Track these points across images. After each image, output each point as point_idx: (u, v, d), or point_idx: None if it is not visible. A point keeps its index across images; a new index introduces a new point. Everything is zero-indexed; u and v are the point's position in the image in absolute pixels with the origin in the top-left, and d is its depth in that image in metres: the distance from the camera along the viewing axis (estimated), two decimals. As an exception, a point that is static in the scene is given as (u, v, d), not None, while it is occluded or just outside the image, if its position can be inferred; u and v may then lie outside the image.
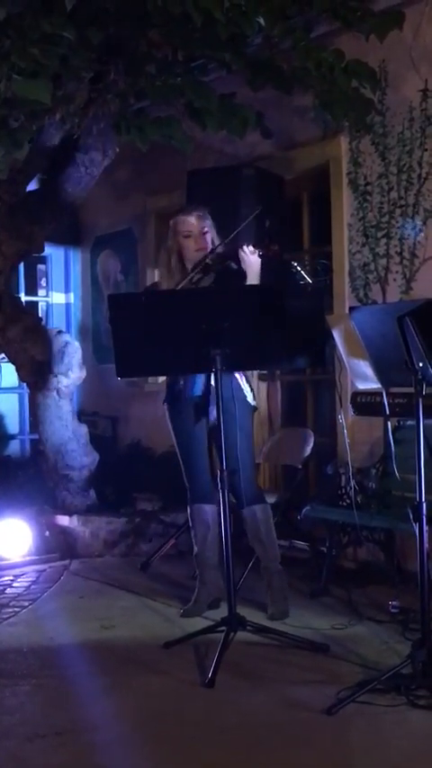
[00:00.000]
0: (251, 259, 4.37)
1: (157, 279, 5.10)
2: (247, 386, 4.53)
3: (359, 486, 4.73)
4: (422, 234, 5.15)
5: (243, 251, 4.37)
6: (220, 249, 4.44)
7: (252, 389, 4.59)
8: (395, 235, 5.33)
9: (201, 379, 4.44)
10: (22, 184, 6.15)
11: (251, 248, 4.36)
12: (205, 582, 4.58)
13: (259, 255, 4.36)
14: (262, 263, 4.42)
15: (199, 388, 4.45)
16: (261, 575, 4.60)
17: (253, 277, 4.38)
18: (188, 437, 4.55)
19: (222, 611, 4.09)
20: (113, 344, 4.06)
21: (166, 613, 4.62)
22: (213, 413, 4.40)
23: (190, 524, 4.65)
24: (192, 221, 4.49)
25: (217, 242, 4.46)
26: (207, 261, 4.42)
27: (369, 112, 5.12)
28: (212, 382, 4.31)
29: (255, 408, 4.61)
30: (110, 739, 3.12)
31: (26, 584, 5.31)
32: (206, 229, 4.48)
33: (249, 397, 4.53)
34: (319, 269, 5.00)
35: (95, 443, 6.58)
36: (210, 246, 4.45)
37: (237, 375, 4.46)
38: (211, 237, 4.49)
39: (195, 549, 4.62)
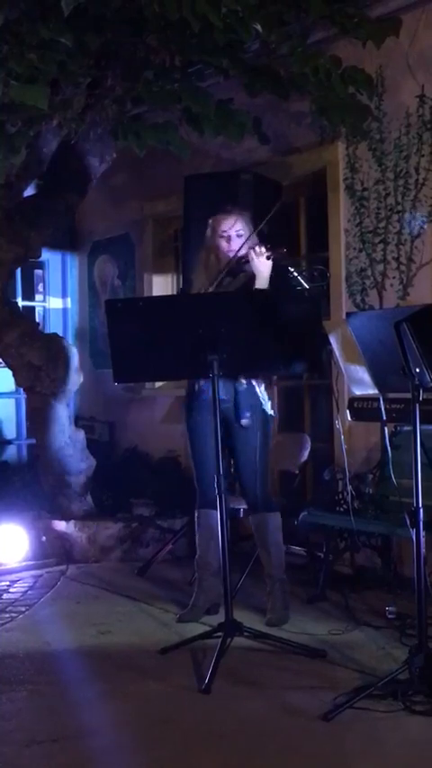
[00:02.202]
0: (261, 261, 4.35)
1: (156, 285, 5.09)
2: (264, 394, 4.52)
3: (356, 492, 4.73)
4: (425, 228, 5.14)
5: (254, 252, 4.36)
6: (243, 251, 4.43)
7: (270, 398, 4.59)
8: (392, 240, 5.34)
9: (222, 384, 4.39)
10: (19, 190, 6.16)
11: (263, 249, 4.35)
12: (204, 587, 4.58)
13: (267, 258, 4.35)
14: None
15: (220, 393, 4.41)
16: (263, 581, 4.58)
17: (262, 279, 4.35)
18: (202, 441, 4.53)
19: (220, 617, 4.08)
20: (110, 349, 4.06)
21: (162, 619, 4.62)
22: (244, 419, 4.44)
23: (195, 528, 4.63)
24: (230, 222, 4.49)
25: (245, 240, 4.44)
26: (233, 264, 4.42)
27: (366, 118, 5.14)
28: (243, 386, 4.35)
29: (272, 417, 4.62)
30: (106, 745, 3.12)
31: (23, 589, 5.31)
32: (241, 232, 4.48)
33: (266, 406, 4.52)
34: (316, 274, 5.00)
35: (92, 448, 6.57)
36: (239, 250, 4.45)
37: (254, 383, 4.47)
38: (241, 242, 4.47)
39: (198, 553, 4.61)
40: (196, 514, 4.62)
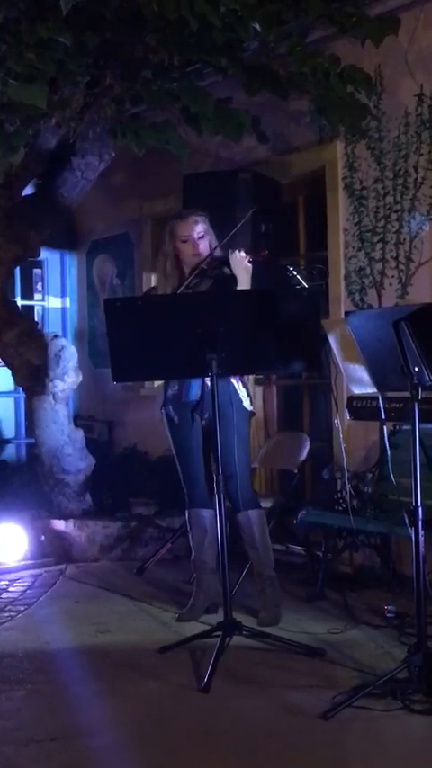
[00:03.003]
0: (242, 264, 4.35)
1: (154, 284, 5.09)
2: (243, 390, 4.51)
3: (355, 491, 4.73)
4: (425, 228, 5.14)
5: (234, 256, 4.36)
6: (217, 253, 4.43)
7: (249, 394, 4.57)
8: (391, 239, 5.34)
9: (196, 383, 4.43)
10: (18, 189, 6.16)
11: (242, 254, 4.35)
12: (202, 587, 4.58)
13: (249, 261, 4.35)
14: (257, 268, 4.41)
15: (195, 392, 4.45)
16: (254, 580, 4.59)
17: (243, 282, 4.35)
18: (185, 442, 4.54)
19: (219, 616, 4.08)
20: (109, 349, 4.06)
21: (161, 618, 4.62)
22: (205, 416, 4.42)
23: (188, 529, 4.65)
24: (188, 226, 4.47)
25: (214, 246, 4.45)
26: (203, 266, 4.41)
27: (365, 117, 5.13)
28: (206, 388, 4.33)
29: (252, 413, 4.60)
30: (105, 744, 3.12)
31: (22, 588, 5.31)
32: (202, 234, 4.47)
33: (246, 402, 4.51)
34: (314, 273, 4.99)
35: (91, 448, 6.57)
36: (206, 251, 4.45)
37: (233, 380, 4.45)
38: (209, 242, 4.48)
39: (193, 553, 4.62)
40: (187, 515, 4.62)
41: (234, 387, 4.46)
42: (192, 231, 4.46)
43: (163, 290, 4.52)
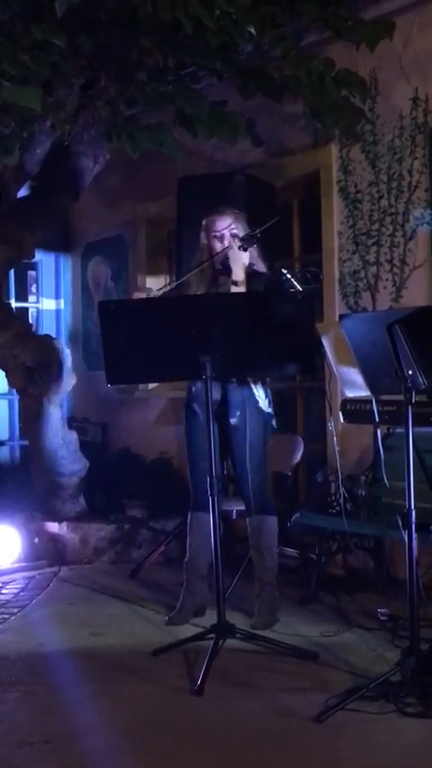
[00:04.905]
0: (233, 252, 4.35)
1: (148, 285, 5.08)
2: (261, 392, 4.47)
3: (349, 494, 4.73)
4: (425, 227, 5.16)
5: (230, 245, 4.36)
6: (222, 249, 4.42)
7: (268, 396, 4.51)
8: (385, 243, 5.35)
9: (216, 384, 4.39)
10: (12, 191, 6.15)
11: (233, 242, 4.35)
12: (192, 590, 4.56)
13: (239, 248, 4.33)
14: (251, 272, 4.41)
15: (215, 392, 4.40)
16: (253, 582, 4.57)
17: (238, 273, 4.35)
18: (196, 442, 4.50)
19: (211, 619, 4.08)
20: (103, 351, 4.06)
21: (155, 620, 4.61)
22: (233, 418, 4.41)
23: (187, 531, 4.61)
24: (222, 222, 4.46)
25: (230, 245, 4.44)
26: (219, 263, 4.41)
27: (359, 121, 5.15)
28: (234, 385, 4.33)
29: (270, 415, 4.53)
30: (99, 746, 3.12)
31: (15, 590, 5.30)
32: (235, 231, 4.45)
33: (263, 404, 4.47)
34: (308, 276, 4.98)
35: (85, 450, 6.57)
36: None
37: (250, 381, 4.42)
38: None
39: (187, 556, 4.60)
40: (189, 517, 4.60)
41: (251, 388, 4.43)
42: (220, 226, 4.45)
43: (197, 284, 4.50)
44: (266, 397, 4.50)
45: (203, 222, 4.55)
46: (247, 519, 4.54)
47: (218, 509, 3.99)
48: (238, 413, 4.41)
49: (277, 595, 4.56)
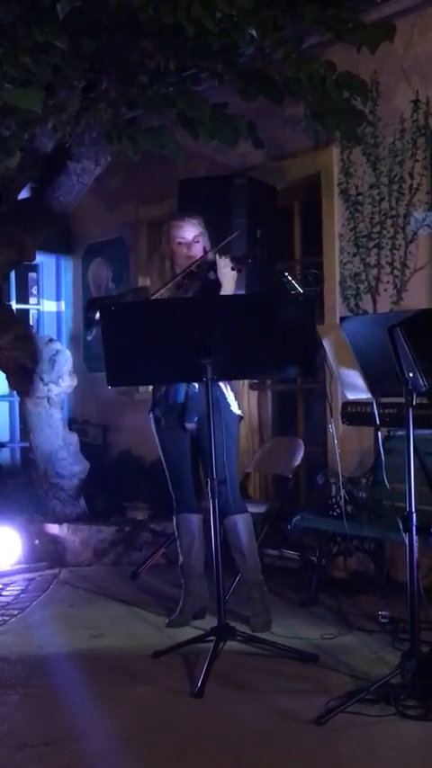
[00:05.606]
0: (226, 271, 4.36)
1: (148, 283, 5.07)
2: (231, 394, 4.48)
3: (349, 496, 4.73)
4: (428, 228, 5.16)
5: (220, 261, 4.37)
6: (209, 257, 4.43)
7: (237, 398, 4.54)
8: (386, 245, 5.35)
9: (183, 386, 4.42)
10: (13, 193, 6.16)
11: (226, 260, 4.36)
12: (190, 592, 4.56)
13: (232, 269, 4.35)
14: (248, 275, 4.41)
15: (181, 394, 4.43)
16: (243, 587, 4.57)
17: (227, 288, 4.36)
18: (172, 446, 4.53)
19: (210, 621, 4.08)
20: (104, 353, 4.06)
21: (155, 622, 4.61)
22: (193, 420, 4.41)
23: (175, 534, 4.63)
24: (184, 228, 4.48)
25: (209, 250, 4.46)
26: (193, 269, 4.42)
27: (360, 124, 5.15)
28: (195, 389, 4.33)
29: (240, 417, 4.57)
30: (99, 749, 3.11)
31: (15, 592, 5.30)
32: (197, 237, 4.48)
33: (233, 406, 4.49)
34: (309, 279, 5.01)
35: (86, 452, 6.57)
36: (200, 254, 4.45)
37: (220, 383, 4.42)
38: (203, 245, 4.49)
39: (180, 558, 4.60)
40: (175, 520, 4.60)
41: (221, 390, 4.43)
42: (187, 234, 4.47)
43: (166, 291, 4.50)
44: (236, 399, 4.51)
45: (164, 227, 4.56)
46: (224, 520, 4.49)
47: (217, 511, 3.98)
48: (196, 418, 4.39)
49: (266, 590, 4.55)
